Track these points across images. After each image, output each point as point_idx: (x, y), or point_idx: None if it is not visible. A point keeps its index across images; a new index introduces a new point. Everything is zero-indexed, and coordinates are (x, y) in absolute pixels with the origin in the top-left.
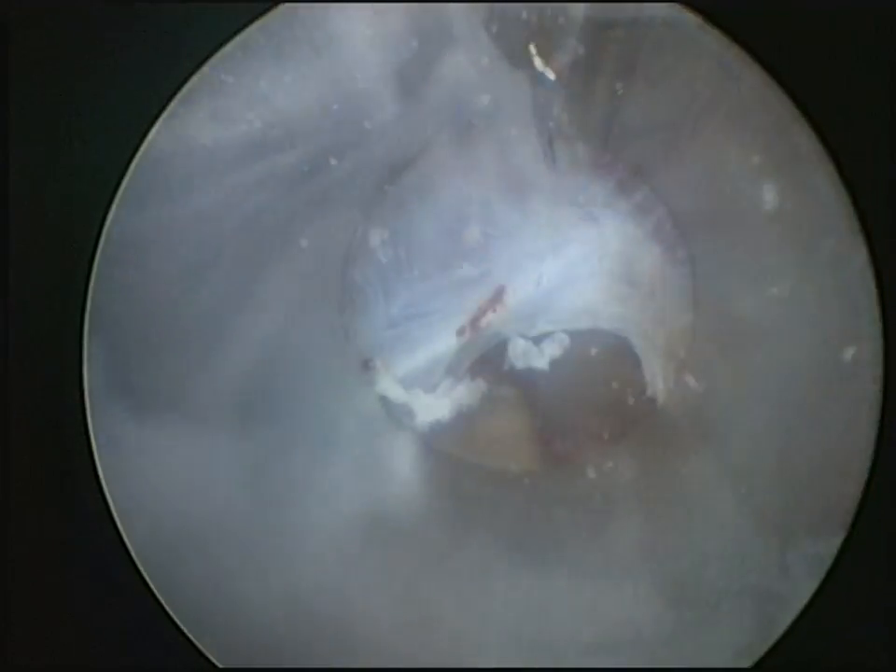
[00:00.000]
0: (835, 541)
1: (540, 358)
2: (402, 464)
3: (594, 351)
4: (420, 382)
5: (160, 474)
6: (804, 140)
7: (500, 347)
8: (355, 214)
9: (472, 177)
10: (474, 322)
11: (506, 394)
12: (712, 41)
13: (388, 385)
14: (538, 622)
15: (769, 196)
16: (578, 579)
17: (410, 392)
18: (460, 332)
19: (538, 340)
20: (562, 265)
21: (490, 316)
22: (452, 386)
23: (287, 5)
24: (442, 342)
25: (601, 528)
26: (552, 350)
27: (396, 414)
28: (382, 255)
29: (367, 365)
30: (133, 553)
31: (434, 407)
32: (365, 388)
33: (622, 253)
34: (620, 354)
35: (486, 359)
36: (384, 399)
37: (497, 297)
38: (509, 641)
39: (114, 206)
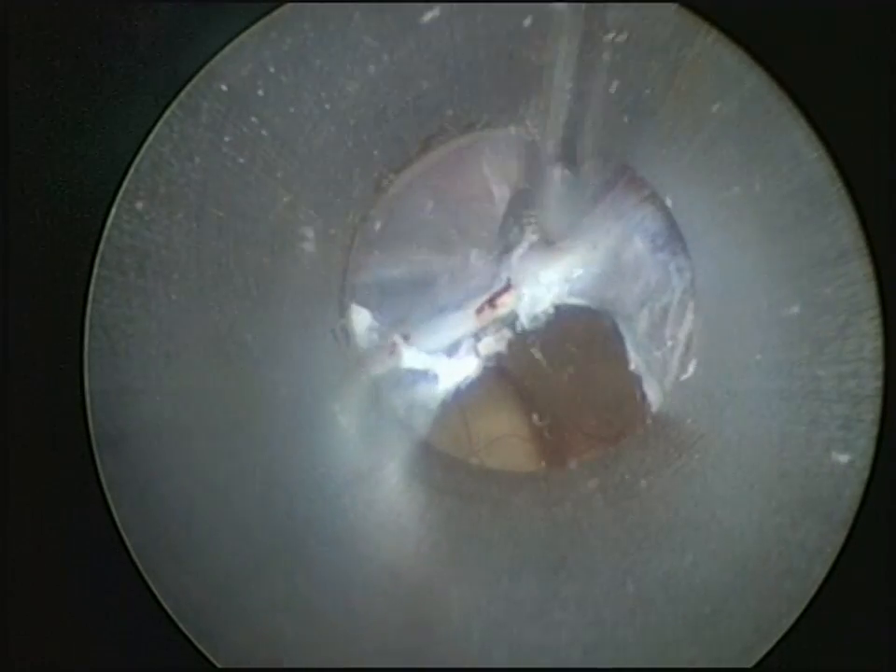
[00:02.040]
0: (836, 540)
1: (546, 297)
2: (404, 464)
3: (584, 332)
4: (444, 350)
5: (160, 474)
6: (804, 140)
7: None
8: (356, 216)
9: (473, 179)
10: (492, 301)
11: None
12: (712, 41)
13: (412, 356)
14: (538, 620)
15: (768, 196)
16: (578, 577)
17: (433, 357)
18: (479, 310)
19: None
20: (564, 262)
21: (504, 298)
22: (472, 346)
23: (290, 5)
24: (462, 323)
25: (601, 527)
26: (557, 290)
27: (420, 379)
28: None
29: (392, 346)
30: (132, 553)
31: (458, 367)
32: (368, 391)
33: (615, 246)
34: (609, 338)
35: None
36: (392, 402)
37: (507, 289)
38: (510, 640)
39: (114, 207)
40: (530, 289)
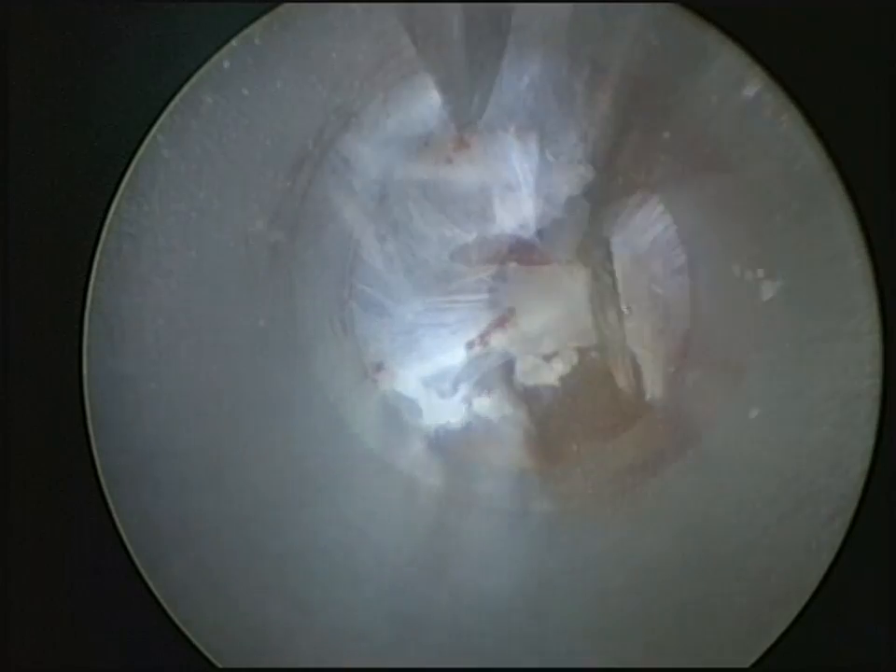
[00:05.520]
0: (835, 539)
1: (550, 374)
2: (401, 460)
3: (599, 363)
4: (434, 385)
5: (160, 473)
6: (803, 140)
7: (510, 364)
8: (357, 218)
9: (474, 179)
10: (484, 337)
11: (517, 409)
12: (712, 42)
13: (403, 382)
14: (535, 617)
15: (767, 196)
16: (576, 575)
17: (425, 389)
18: (470, 346)
19: (546, 356)
20: (569, 287)
21: (499, 333)
22: (467, 398)
23: (288, 5)
24: (453, 353)
25: (599, 525)
26: (561, 367)
27: (402, 411)
28: (385, 266)
29: (380, 367)
30: (132, 553)
31: (444, 410)
32: (372, 387)
33: (624, 270)
34: (623, 364)
35: (498, 374)
36: (392, 396)
37: (507, 316)
38: (507, 636)
39: (116, 198)
40: (530, 324)
